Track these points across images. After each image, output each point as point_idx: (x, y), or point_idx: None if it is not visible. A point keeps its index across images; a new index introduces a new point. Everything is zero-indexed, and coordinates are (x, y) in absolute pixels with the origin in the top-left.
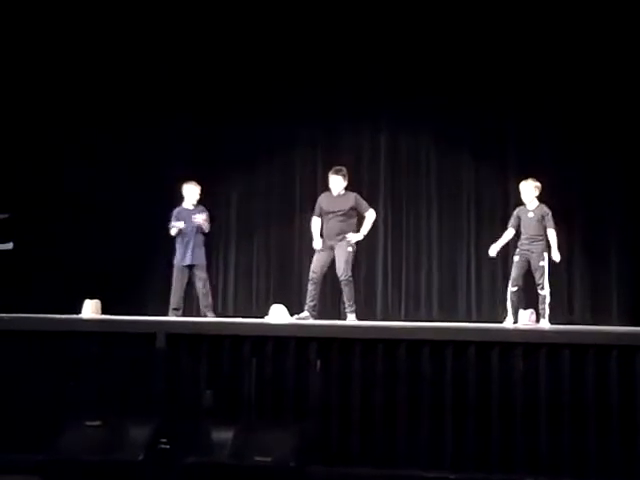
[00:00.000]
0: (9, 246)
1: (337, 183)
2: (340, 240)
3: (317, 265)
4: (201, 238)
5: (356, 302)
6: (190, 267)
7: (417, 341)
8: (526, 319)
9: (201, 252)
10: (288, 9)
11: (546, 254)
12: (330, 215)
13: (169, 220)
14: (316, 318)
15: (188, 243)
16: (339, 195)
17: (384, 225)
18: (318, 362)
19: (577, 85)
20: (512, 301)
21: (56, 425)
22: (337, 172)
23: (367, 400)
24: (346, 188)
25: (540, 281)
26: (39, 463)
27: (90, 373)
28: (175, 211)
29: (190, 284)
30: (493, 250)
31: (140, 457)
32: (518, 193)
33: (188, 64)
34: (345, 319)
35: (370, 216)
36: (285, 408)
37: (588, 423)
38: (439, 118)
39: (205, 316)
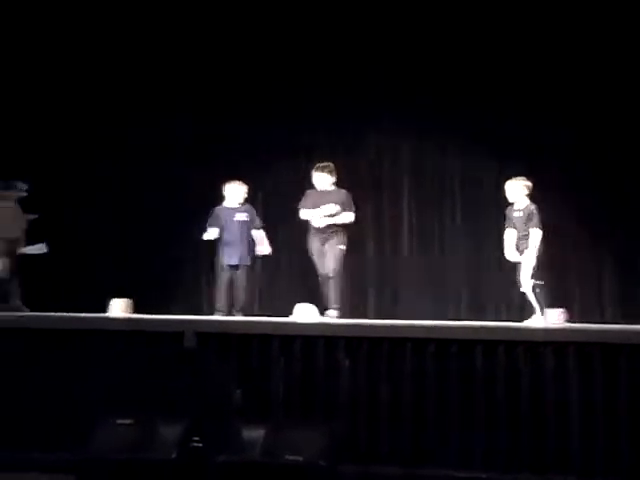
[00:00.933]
0: (43, 249)
1: (321, 180)
2: (330, 237)
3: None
4: (248, 237)
5: (383, 301)
6: (234, 267)
7: (446, 340)
8: (555, 318)
9: (246, 252)
10: (316, 11)
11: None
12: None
13: (206, 220)
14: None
15: (233, 242)
16: (327, 191)
17: (409, 225)
18: (347, 361)
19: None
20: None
21: (89, 424)
22: (322, 169)
23: (396, 399)
24: (336, 184)
25: (519, 278)
26: (73, 462)
27: (121, 372)
28: (215, 210)
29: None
30: (511, 255)
31: (173, 455)
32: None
33: (210, 66)
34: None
35: (349, 218)
36: (315, 407)
37: (620, 424)
38: (463, 122)
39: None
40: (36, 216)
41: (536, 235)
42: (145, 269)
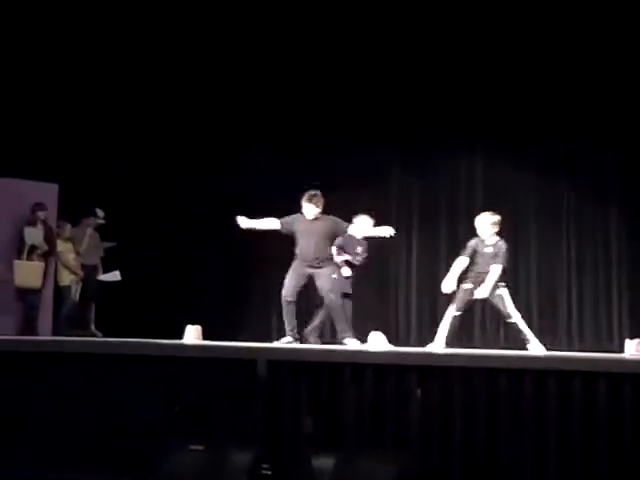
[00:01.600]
0: (117, 277)
1: (309, 210)
2: (321, 265)
3: (290, 285)
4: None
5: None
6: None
7: (518, 370)
8: (632, 349)
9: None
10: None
11: (500, 284)
12: (306, 239)
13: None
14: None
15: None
16: (315, 219)
17: None
18: (418, 390)
19: None
20: (452, 325)
21: (161, 449)
22: (309, 199)
23: (468, 429)
24: (324, 212)
25: (506, 310)
26: None
27: (193, 398)
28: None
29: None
30: (447, 286)
31: None
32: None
33: (281, 95)
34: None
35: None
36: (385, 436)
37: None
38: (536, 144)
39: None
40: (114, 244)
41: (497, 271)
42: (214, 297)
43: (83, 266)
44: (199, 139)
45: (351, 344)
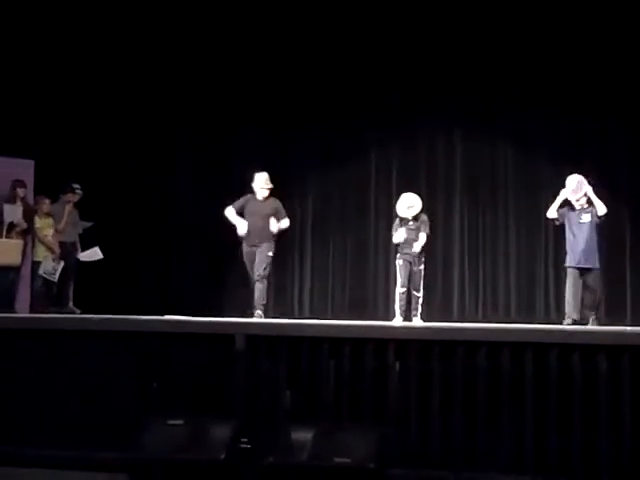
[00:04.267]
0: (98, 254)
1: (260, 191)
2: (262, 241)
3: (250, 266)
4: None
5: (430, 304)
6: None
7: (497, 343)
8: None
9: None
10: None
11: (423, 258)
12: (254, 217)
13: None
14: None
15: None
16: (264, 199)
17: (460, 228)
18: (397, 364)
19: None
20: (402, 301)
21: (140, 424)
22: (260, 181)
23: (446, 402)
24: (271, 193)
25: (418, 284)
26: (125, 461)
27: (172, 373)
28: None
29: None
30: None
31: (221, 456)
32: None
33: (263, 72)
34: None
35: (284, 224)
36: (364, 410)
37: None
38: (517, 119)
39: None
40: (92, 224)
41: (424, 238)
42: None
43: (62, 243)
44: (179, 115)
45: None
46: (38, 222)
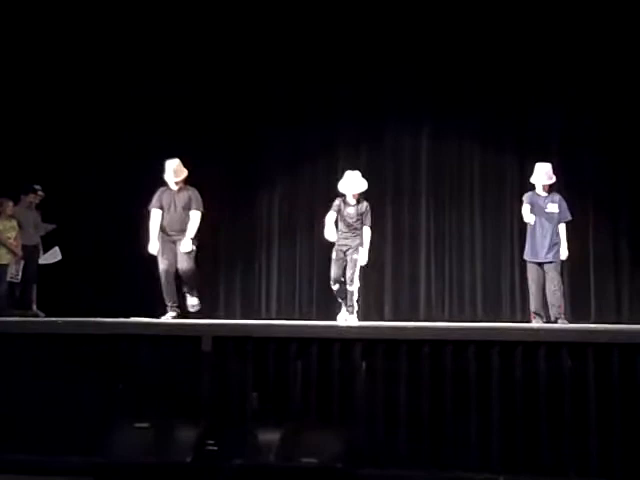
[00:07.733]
0: (57, 255)
1: (172, 181)
2: (181, 235)
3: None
4: None
5: (400, 303)
6: None
7: (463, 342)
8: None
9: None
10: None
11: (361, 248)
12: (172, 209)
13: None
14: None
15: None
16: (180, 189)
17: (427, 225)
18: (363, 364)
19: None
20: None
21: (106, 427)
22: (171, 170)
23: (414, 401)
24: (186, 182)
25: (350, 275)
26: (91, 465)
27: (138, 376)
28: None
29: None
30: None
31: (188, 459)
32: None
33: (231, 68)
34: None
35: (195, 216)
36: (331, 410)
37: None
38: (482, 117)
39: None
40: (54, 226)
41: (368, 233)
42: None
43: (24, 246)
44: (143, 114)
45: (193, 303)
46: (0, 225)
